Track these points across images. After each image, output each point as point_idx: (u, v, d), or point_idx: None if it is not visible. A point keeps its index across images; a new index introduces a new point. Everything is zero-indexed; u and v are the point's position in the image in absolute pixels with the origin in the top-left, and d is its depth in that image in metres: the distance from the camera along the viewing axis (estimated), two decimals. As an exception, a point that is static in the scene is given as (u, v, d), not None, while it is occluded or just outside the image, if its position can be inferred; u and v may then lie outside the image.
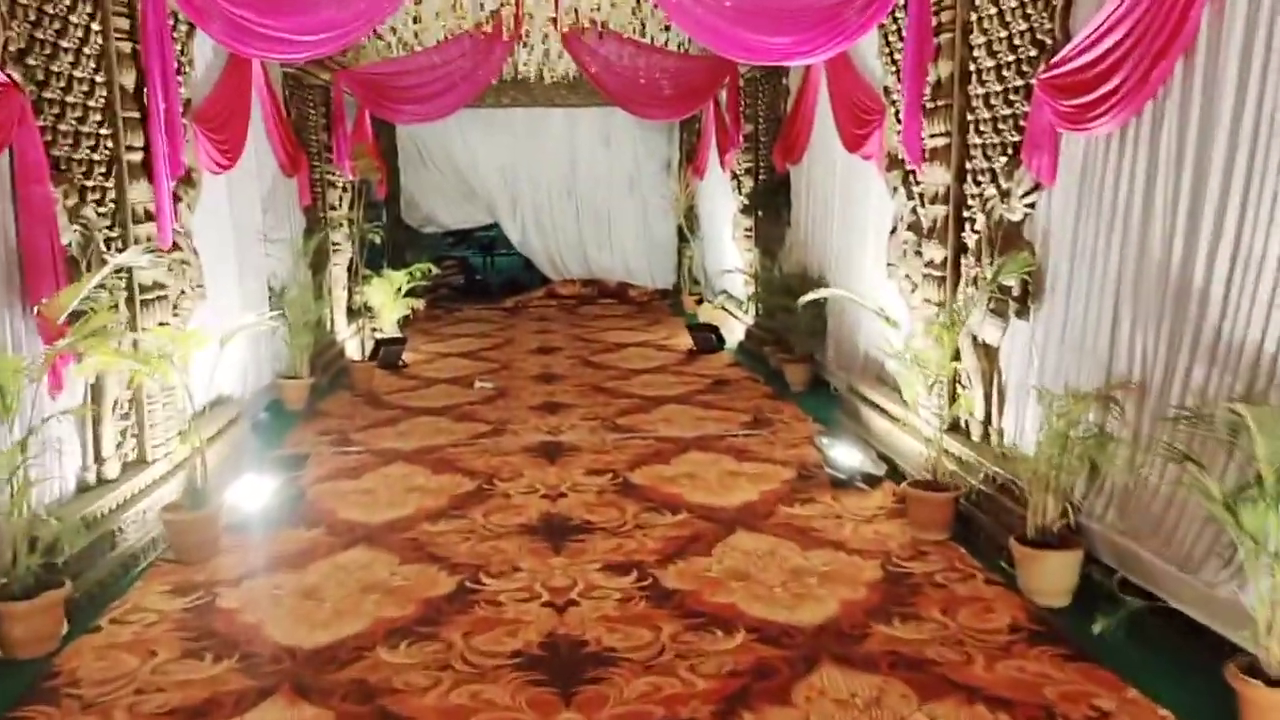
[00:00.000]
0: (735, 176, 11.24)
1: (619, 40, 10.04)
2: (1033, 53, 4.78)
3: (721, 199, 12.57)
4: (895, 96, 6.38)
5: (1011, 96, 5.02)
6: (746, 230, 10.65)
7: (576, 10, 9.22)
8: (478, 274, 18.83)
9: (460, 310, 14.85)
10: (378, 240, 9.76)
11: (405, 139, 14.96)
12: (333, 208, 10.25)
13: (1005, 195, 5.05)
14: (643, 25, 10.69)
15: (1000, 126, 5.14)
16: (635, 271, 15.64)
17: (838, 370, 8.02)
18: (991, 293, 5.11)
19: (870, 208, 7.17)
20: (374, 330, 11.17)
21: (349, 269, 10.74)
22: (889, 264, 6.65)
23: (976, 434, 5.42)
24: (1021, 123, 4.88)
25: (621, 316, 13.94)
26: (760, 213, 10.21)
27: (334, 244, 10.28)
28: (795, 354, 8.54)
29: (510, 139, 15.09)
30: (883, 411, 6.47)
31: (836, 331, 8.11)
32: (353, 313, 10.90)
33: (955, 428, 5.54)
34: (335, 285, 10.28)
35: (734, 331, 10.90)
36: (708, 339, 10.53)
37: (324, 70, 9.80)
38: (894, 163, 6.49)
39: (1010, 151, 5.05)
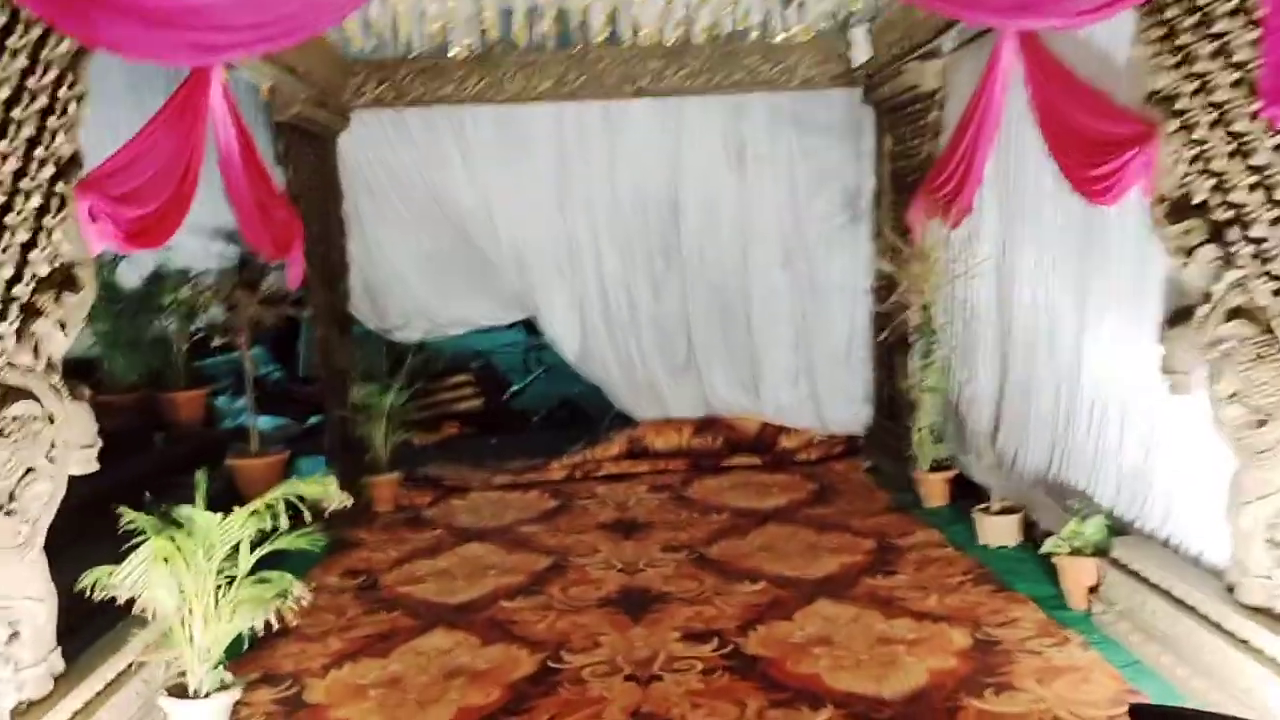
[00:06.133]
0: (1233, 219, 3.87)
1: None
2: None
3: (1060, 267, 5.29)
4: None
5: None
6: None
7: None
8: (511, 387, 11.71)
9: (464, 493, 7.63)
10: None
11: (354, 164, 7.85)
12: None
13: None
14: None
15: None
16: (790, 406, 8.25)
17: None
18: None
19: None
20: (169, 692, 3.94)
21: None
22: None
23: None
24: None
25: (790, 515, 6.57)
26: None
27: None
28: None
29: (556, 160, 7.93)
30: None
31: None
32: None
33: None
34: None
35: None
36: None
37: None
38: None
39: None
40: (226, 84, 5.39)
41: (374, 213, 7.92)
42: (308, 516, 3.93)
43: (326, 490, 3.95)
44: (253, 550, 3.91)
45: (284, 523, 3.95)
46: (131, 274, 7.95)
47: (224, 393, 10.68)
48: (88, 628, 3.91)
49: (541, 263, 8.02)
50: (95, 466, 3.80)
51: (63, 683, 3.51)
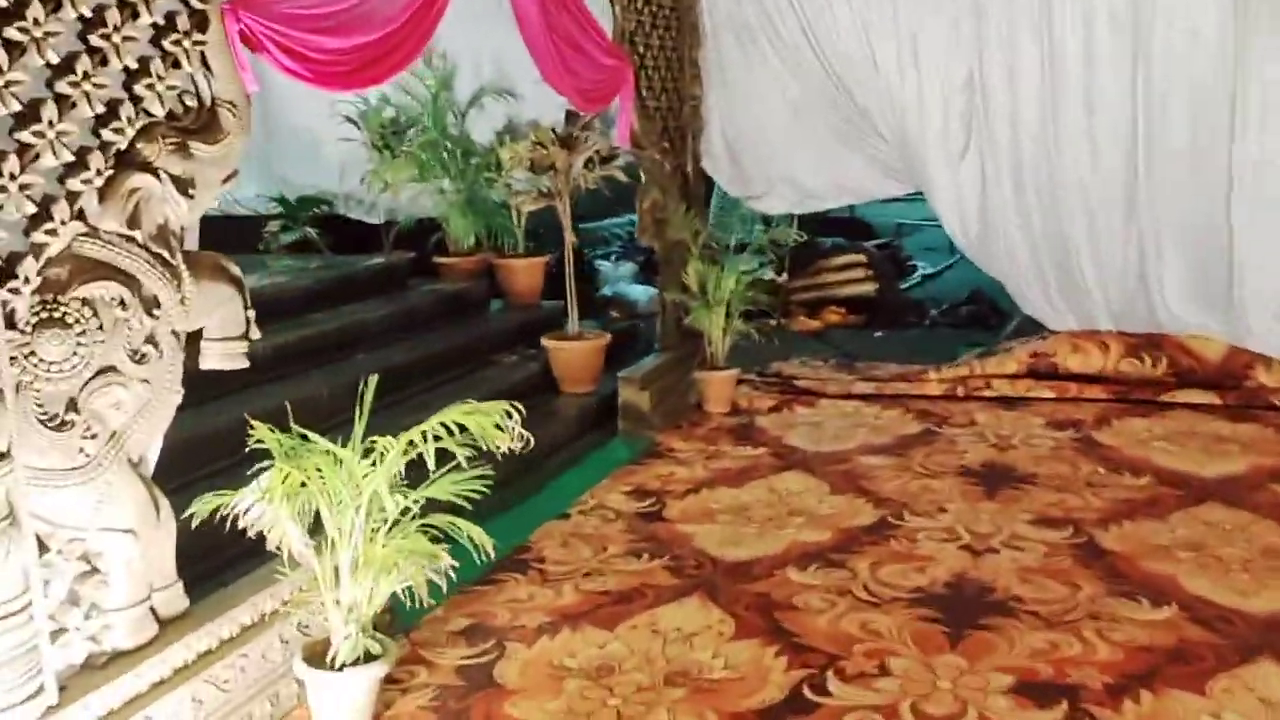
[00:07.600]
0: None
1: None
2: None
3: None
4: None
5: None
6: None
7: None
8: (917, 271, 10.23)
9: (816, 399, 6.36)
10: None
11: None
12: None
13: None
14: None
15: None
16: (1277, 326, 5.91)
17: None
18: None
19: None
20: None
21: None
22: None
23: None
24: None
25: (1248, 491, 4.50)
26: None
27: None
28: None
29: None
30: None
31: None
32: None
33: None
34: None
35: None
36: None
37: None
38: None
39: None
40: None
41: (738, 58, 6.59)
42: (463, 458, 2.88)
43: (490, 426, 2.87)
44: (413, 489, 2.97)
45: (466, 451, 2.96)
46: (485, 128, 7.45)
47: (608, 257, 10.25)
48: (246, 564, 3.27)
49: (932, 117, 6.26)
50: (243, 363, 3.04)
51: (171, 630, 2.85)
